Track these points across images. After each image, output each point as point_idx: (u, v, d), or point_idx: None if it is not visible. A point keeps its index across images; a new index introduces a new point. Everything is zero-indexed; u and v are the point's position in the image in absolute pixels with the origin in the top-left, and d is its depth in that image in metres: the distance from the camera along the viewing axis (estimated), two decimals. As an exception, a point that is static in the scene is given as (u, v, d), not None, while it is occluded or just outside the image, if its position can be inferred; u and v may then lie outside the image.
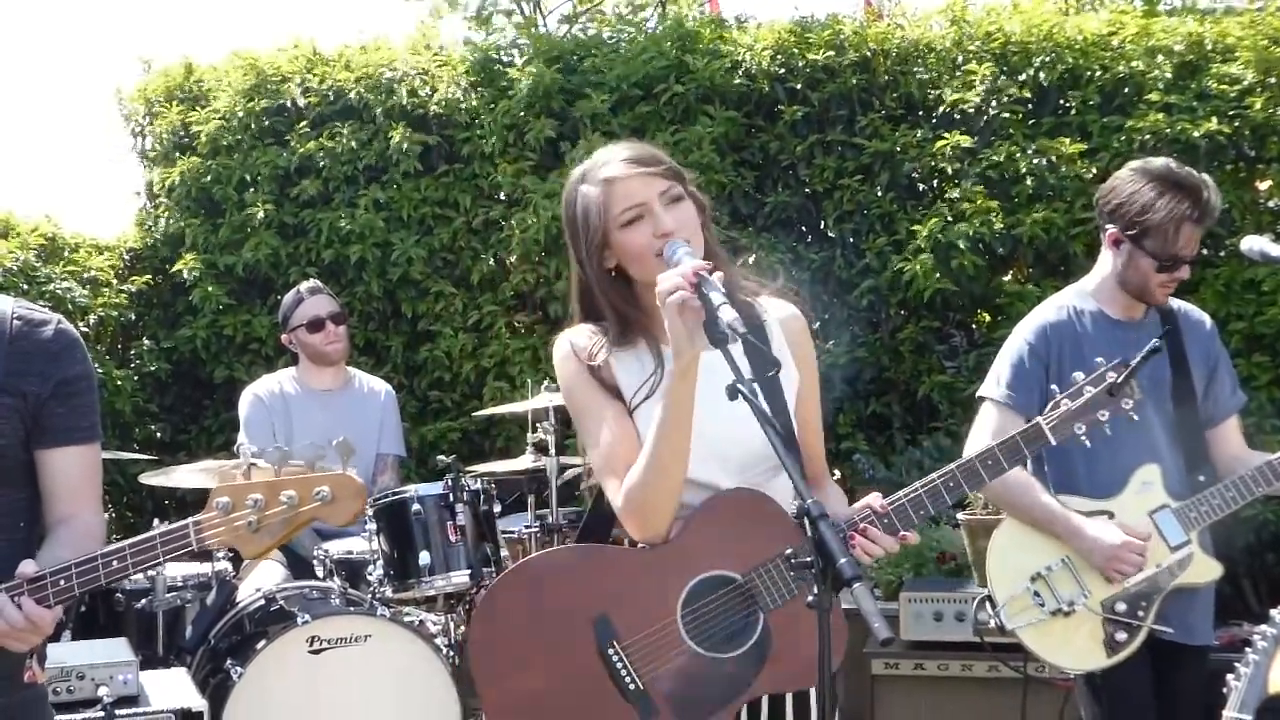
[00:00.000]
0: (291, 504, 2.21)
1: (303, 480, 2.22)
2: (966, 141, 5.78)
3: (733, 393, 2.09)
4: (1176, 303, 3.51)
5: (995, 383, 3.42)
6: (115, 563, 2.21)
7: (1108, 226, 3.40)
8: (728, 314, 2.11)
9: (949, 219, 5.78)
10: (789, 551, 2.31)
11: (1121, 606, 3.20)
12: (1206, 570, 3.31)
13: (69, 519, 2.38)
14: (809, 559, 2.00)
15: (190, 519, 2.22)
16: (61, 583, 2.19)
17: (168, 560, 2.28)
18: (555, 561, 2.57)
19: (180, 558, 2.33)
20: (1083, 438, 2.42)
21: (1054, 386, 2.49)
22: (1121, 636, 3.19)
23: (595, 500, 2.56)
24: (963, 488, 2.42)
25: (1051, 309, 3.46)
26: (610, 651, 2.35)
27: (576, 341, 2.52)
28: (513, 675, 2.38)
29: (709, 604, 2.37)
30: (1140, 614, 3.20)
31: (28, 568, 2.19)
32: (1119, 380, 2.41)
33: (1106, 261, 3.44)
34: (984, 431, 3.35)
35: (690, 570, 2.38)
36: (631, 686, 2.34)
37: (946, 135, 5.81)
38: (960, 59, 6.11)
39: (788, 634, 2.35)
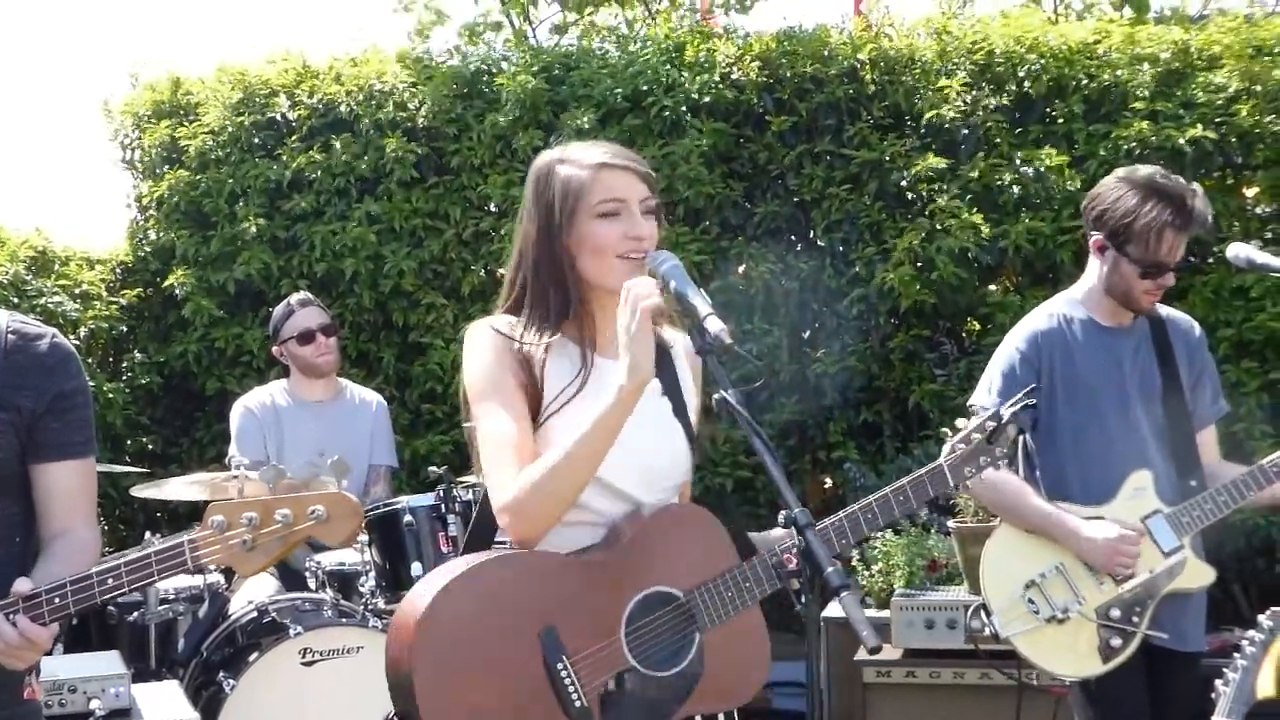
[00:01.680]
0: (287, 523, 2.19)
1: (298, 499, 2.20)
2: (940, 164, 5.79)
3: (720, 404, 2.07)
4: (1165, 310, 3.52)
5: (987, 391, 3.43)
6: (110, 581, 2.20)
7: (1093, 233, 3.41)
8: (714, 324, 2.08)
9: (935, 227, 5.80)
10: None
11: (1116, 613, 3.21)
12: (1200, 575, 3.32)
13: (64, 533, 2.37)
14: (797, 568, 1.99)
15: (185, 537, 2.20)
16: (57, 600, 2.18)
17: (163, 579, 2.26)
18: (499, 570, 2.33)
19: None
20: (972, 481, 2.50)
21: (961, 419, 2.52)
22: (1116, 643, 3.20)
23: (483, 501, 2.43)
24: (879, 520, 2.41)
25: (1042, 316, 3.47)
26: (560, 666, 2.24)
27: (498, 326, 2.41)
28: (452, 688, 2.21)
29: (651, 622, 2.31)
30: (1135, 620, 3.21)
31: (23, 585, 2.18)
32: (995, 429, 2.43)
33: (1093, 268, 3.45)
34: (978, 440, 3.35)
35: (635, 585, 2.32)
36: (577, 703, 2.24)
37: (922, 158, 5.82)
38: (944, 70, 6.13)
39: (719, 654, 2.33)
